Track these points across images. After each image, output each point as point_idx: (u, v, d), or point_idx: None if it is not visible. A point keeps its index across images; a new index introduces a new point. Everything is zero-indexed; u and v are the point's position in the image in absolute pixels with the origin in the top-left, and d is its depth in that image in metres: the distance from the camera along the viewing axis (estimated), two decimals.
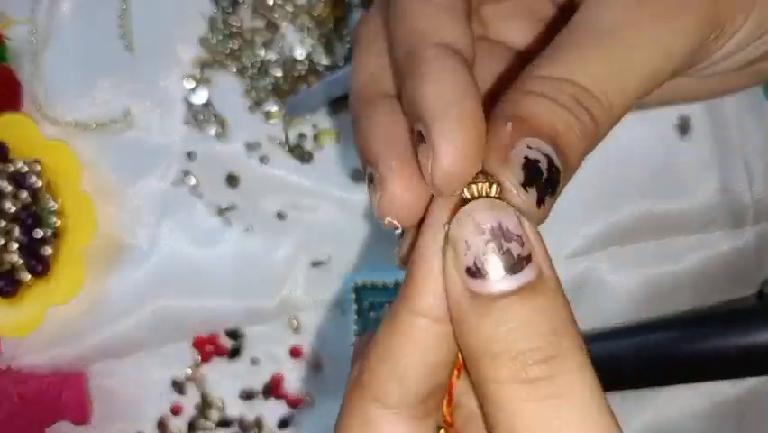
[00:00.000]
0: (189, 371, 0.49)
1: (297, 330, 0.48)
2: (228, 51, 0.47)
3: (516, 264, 0.19)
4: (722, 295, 0.47)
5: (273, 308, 0.48)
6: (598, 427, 0.18)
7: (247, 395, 0.49)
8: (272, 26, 0.47)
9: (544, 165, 0.19)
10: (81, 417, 0.48)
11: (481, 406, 0.20)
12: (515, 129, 0.20)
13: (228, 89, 0.48)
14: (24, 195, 0.46)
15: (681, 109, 0.46)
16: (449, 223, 0.19)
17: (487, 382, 0.19)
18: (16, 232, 0.46)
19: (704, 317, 0.45)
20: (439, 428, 0.22)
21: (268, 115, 0.47)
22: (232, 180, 0.48)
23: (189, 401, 0.49)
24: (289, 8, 0.47)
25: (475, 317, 0.19)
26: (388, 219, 0.21)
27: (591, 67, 0.21)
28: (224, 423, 0.49)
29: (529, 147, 0.19)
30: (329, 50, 0.47)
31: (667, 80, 0.23)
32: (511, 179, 0.19)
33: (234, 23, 0.47)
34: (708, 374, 0.44)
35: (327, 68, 0.47)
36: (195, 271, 0.48)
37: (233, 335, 0.48)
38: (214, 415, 0.49)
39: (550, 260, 0.20)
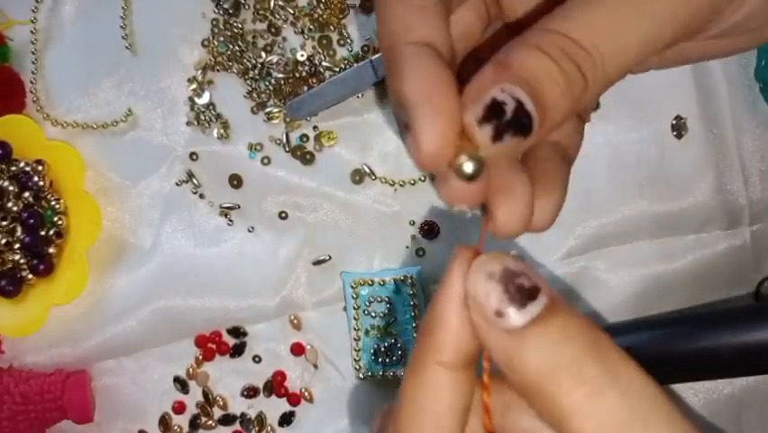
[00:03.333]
0: (191, 369, 0.49)
1: (298, 328, 0.49)
2: (230, 53, 0.48)
3: (532, 293, 0.20)
4: (718, 294, 0.47)
5: (275, 306, 0.48)
6: (655, 405, 0.19)
7: (248, 393, 0.49)
8: (274, 28, 0.48)
9: (510, 107, 0.20)
10: (84, 416, 0.48)
11: (555, 428, 0.20)
12: (495, 75, 0.21)
13: (230, 91, 0.48)
14: (27, 195, 0.46)
15: (678, 110, 0.46)
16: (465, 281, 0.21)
17: (556, 398, 0.20)
18: (19, 232, 0.46)
19: (700, 316, 0.45)
20: None
21: (269, 117, 0.48)
22: (234, 181, 0.48)
23: (191, 399, 0.49)
24: (291, 11, 0.47)
25: (521, 350, 0.20)
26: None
27: (588, 23, 0.22)
28: (226, 420, 0.49)
29: (502, 91, 0.20)
30: (330, 52, 0.48)
31: (670, 46, 0.23)
32: (470, 116, 0.21)
33: (236, 26, 0.47)
34: (704, 373, 0.44)
35: (328, 69, 0.47)
36: (197, 271, 0.48)
37: (236, 333, 0.49)
38: (216, 413, 0.49)
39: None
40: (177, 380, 0.49)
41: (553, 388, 0.20)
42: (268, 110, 0.48)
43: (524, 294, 0.20)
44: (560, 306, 0.20)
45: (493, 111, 0.20)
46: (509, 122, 0.20)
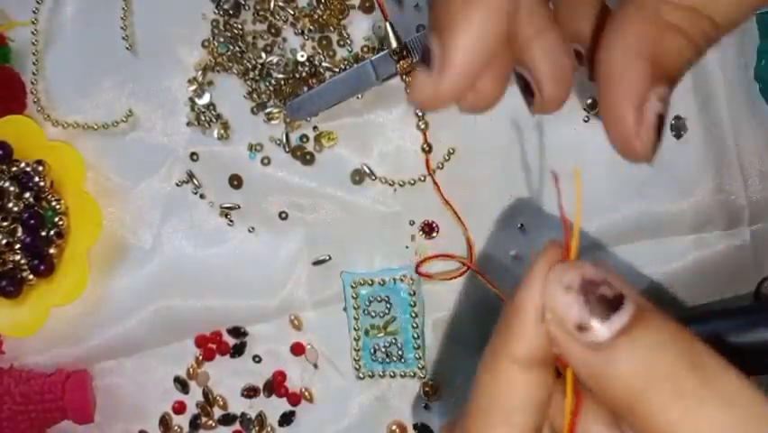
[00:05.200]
0: (192, 369, 0.49)
1: (298, 328, 0.49)
2: (230, 54, 0.48)
3: (616, 302, 0.19)
4: (718, 294, 0.47)
5: (275, 306, 0.48)
6: (760, 416, 0.18)
7: (249, 393, 0.49)
8: (274, 29, 0.48)
9: (665, 115, 0.20)
10: (84, 416, 0.48)
11: None
12: (650, 75, 0.20)
13: (230, 91, 0.48)
14: (28, 195, 0.46)
15: (677, 110, 0.46)
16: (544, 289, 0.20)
17: (653, 415, 0.18)
18: (20, 232, 0.46)
19: (700, 316, 0.45)
20: None
21: (270, 117, 0.48)
22: (234, 181, 0.48)
23: (192, 399, 0.50)
24: (291, 11, 0.47)
25: (609, 364, 0.19)
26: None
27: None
28: (226, 420, 0.49)
29: (659, 99, 0.20)
30: (330, 52, 0.48)
31: None
32: (647, 143, 0.20)
33: (236, 27, 0.48)
34: None
35: (328, 70, 0.47)
36: (197, 271, 0.48)
37: (237, 333, 0.49)
38: (217, 413, 0.50)
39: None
40: (177, 380, 0.49)
41: (649, 405, 0.18)
42: (268, 110, 0.48)
43: (607, 305, 0.19)
44: (648, 314, 0.19)
45: (658, 131, 0.21)
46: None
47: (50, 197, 0.47)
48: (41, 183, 0.46)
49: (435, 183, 0.47)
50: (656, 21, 0.20)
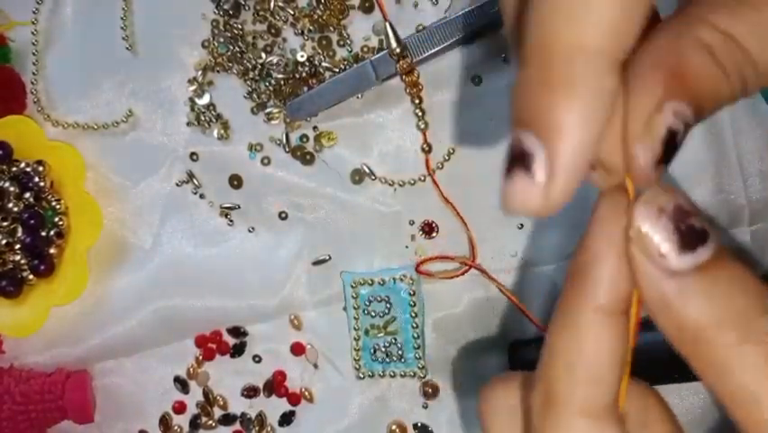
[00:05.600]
0: (192, 369, 0.49)
1: (298, 328, 0.49)
2: (230, 54, 0.48)
3: (702, 236, 0.19)
4: None
5: (275, 306, 0.48)
6: None
7: (249, 393, 0.49)
8: (274, 29, 0.48)
9: (680, 137, 0.19)
10: (84, 416, 0.48)
11: (713, 390, 0.19)
12: (667, 87, 0.18)
13: (230, 92, 0.48)
14: (28, 195, 0.46)
15: None
16: (629, 217, 0.19)
17: (719, 352, 0.18)
18: (20, 232, 0.46)
19: None
20: None
21: (269, 117, 0.48)
22: (234, 181, 0.48)
23: (192, 399, 0.50)
24: (291, 12, 0.47)
25: (683, 296, 0.19)
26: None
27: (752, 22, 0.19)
28: (226, 420, 0.49)
29: (675, 116, 0.18)
30: (330, 52, 0.48)
31: None
32: (647, 158, 0.19)
33: (236, 27, 0.48)
34: None
35: (328, 70, 0.47)
36: (197, 271, 0.48)
37: (237, 332, 0.49)
38: (217, 412, 0.50)
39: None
40: (177, 380, 0.49)
41: (717, 340, 0.18)
42: (268, 111, 0.48)
43: (695, 236, 0.18)
44: (728, 254, 0.19)
45: (668, 147, 0.18)
46: (674, 150, 0.19)
47: (50, 197, 0.47)
48: (41, 183, 0.46)
49: (435, 183, 0.47)
50: (689, 36, 0.19)
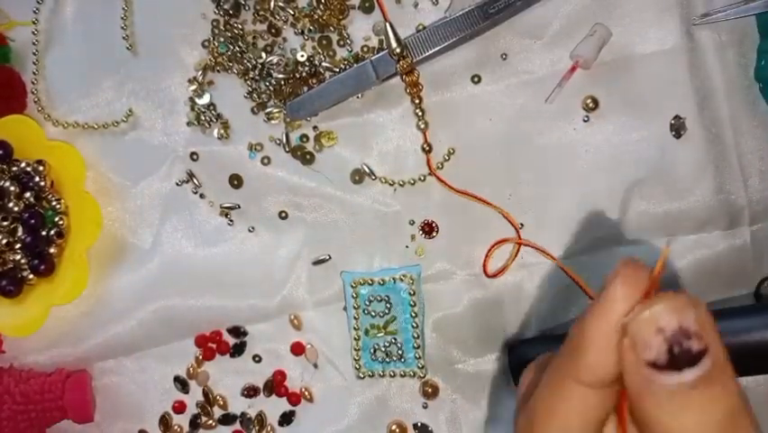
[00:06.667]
0: (192, 369, 0.49)
1: (298, 328, 0.49)
2: (230, 54, 0.48)
3: (693, 359, 0.20)
4: (718, 294, 0.47)
5: (275, 306, 0.48)
6: None
7: (249, 392, 0.49)
8: (274, 29, 0.48)
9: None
10: (84, 415, 0.48)
11: None
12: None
13: (230, 91, 0.48)
14: (28, 195, 0.46)
15: (677, 110, 0.46)
16: (628, 318, 0.20)
17: None
18: (20, 232, 0.46)
19: None
20: None
21: (270, 117, 0.48)
22: (234, 181, 0.48)
23: (192, 399, 0.50)
24: (291, 12, 0.47)
25: (657, 405, 0.20)
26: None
27: None
28: (226, 420, 0.49)
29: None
30: (330, 52, 0.48)
31: None
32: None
33: (236, 27, 0.48)
34: None
35: (328, 70, 0.47)
36: (197, 271, 0.48)
37: (237, 332, 0.49)
38: (217, 412, 0.50)
39: (723, 346, 0.20)
40: (177, 379, 0.49)
41: None
42: (268, 110, 0.48)
43: (686, 359, 0.19)
44: (717, 376, 0.20)
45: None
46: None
47: (50, 196, 0.47)
48: (42, 183, 0.47)
49: (441, 179, 0.47)
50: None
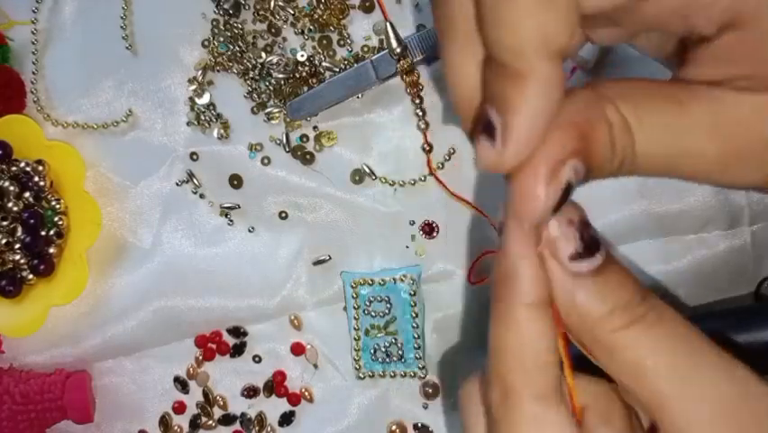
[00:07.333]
0: (192, 369, 0.49)
1: (298, 328, 0.49)
2: (230, 54, 0.48)
3: (597, 243, 0.23)
4: (719, 294, 0.47)
5: (275, 306, 0.48)
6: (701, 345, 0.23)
7: (248, 393, 0.49)
8: (274, 29, 0.48)
9: (571, 191, 0.22)
10: (84, 416, 0.48)
11: (608, 371, 0.23)
12: (575, 146, 0.21)
13: (230, 91, 0.48)
14: (28, 195, 0.46)
15: None
16: (545, 225, 0.22)
17: (613, 336, 0.22)
18: (19, 232, 0.46)
19: (701, 316, 0.45)
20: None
21: (270, 117, 0.48)
22: (234, 181, 0.48)
23: (191, 399, 0.50)
24: (291, 11, 0.47)
25: (587, 291, 0.22)
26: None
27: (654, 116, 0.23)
28: (226, 420, 0.49)
29: (574, 172, 0.21)
30: (330, 52, 0.48)
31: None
32: (548, 200, 0.21)
33: (236, 26, 0.48)
34: None
35: (328, 70, 0.47)
36: (197, 271, 0.48)
37: (236, 333, 0.49)
38: (216, 412, 0.50)
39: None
40: (177, 380, 0.49)
41: (610, 325, 0.22)
42: (268, 110, 0.48)
43: (593, 244, 0.22)
44: (614, 258, 0.23)
45: (563, 197, 0.22)
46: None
47: (49, 196, 0.47)
48: (41, 183, 0.46)
49: (439, 181, 0.47)
50: (598, 108, 0.22)
